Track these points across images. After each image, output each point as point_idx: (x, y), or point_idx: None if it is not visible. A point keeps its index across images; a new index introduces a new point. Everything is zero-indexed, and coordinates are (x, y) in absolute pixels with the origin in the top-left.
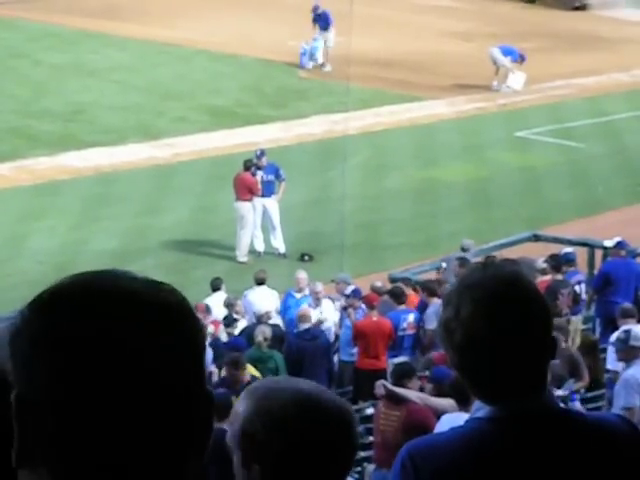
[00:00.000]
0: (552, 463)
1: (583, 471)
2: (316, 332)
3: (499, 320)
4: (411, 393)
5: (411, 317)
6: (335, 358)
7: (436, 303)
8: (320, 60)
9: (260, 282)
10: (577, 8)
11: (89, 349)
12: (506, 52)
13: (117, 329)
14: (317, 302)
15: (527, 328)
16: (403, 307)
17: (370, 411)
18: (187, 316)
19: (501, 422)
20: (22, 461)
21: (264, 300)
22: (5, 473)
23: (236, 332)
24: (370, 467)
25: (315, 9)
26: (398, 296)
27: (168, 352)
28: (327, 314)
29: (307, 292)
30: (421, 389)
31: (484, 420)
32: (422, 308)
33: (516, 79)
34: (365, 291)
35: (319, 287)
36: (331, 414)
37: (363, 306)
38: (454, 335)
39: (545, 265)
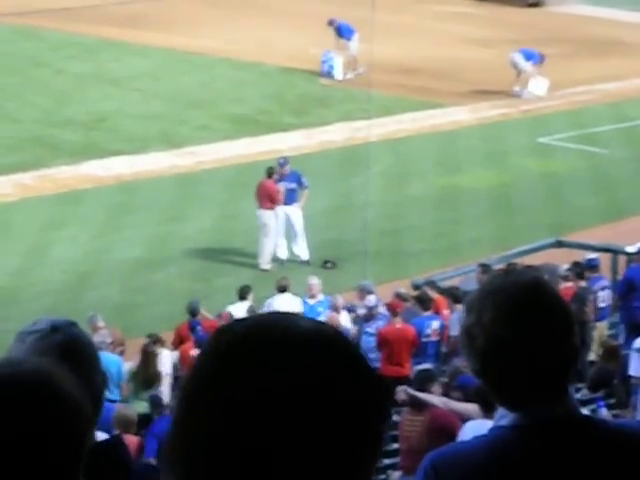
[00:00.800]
0: (575, 471)
1: (605, 478)
2: None
3: (521, 325)
4: (434, 398)
5: (435, 324)
6: None
7: (459, 310)
8: (339, 77)
9: (282, 289)
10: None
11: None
12: (527, 56)
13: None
14: (337, 314)
15: (549, 333)
16: (428, 313)
17: (394, 418)
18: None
19: (524, 430)
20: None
21: (287, 307)
22: None
23: None
24: (395, 474)
25: (331, 23)
26: (424, 302)
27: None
28: (343, 325)
29: (320, 298)
30: (445, 396)
31: (507, 428)
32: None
33: (538, 84)
34: (388, 298)
35: (340, 300)
36: None
37: (385, 312)
38: (476, 341)
39: (568, 272)
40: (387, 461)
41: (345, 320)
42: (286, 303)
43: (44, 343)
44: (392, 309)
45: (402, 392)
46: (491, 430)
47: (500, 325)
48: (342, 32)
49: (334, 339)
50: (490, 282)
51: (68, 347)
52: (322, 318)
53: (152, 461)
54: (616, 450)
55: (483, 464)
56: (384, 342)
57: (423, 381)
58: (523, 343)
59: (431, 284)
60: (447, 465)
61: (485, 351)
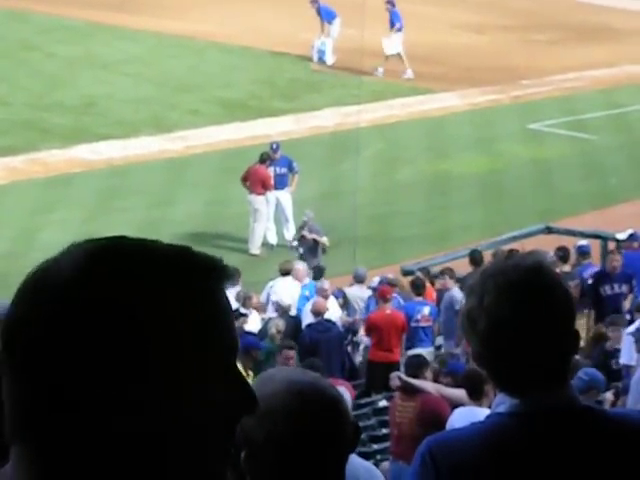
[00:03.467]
0: (574, 460)
1: (605, 468)
2: (329, 324)
3: (522, 307)
4: (426, 384)
5: (426, 310)
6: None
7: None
8: (329, 61)
9: (285, 273)
10: None
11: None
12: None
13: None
14: (324, 299)
15: (550, 316)
16: (420, 299)
17: (383, 403)
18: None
19: (523, 418)
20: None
21: (289, 291)
22: None
23: (246, 327)
24: (385, 464)
25: (313, 2)
26: (418, 287)
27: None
28: (332, 311)
29: (306, 281)
30: (434, 382)
31: (505, 415)
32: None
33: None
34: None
35: (326, 285)
36: (319, 404)
37: (396, 295)
38: (477, 323)
39: (553, 257)
40: (376, 446)
41: (333, 305)
42: (287, 286)
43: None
44: (382, 295)
45: (396, 378)
46: (489, 417)
47: (501, 307)
48: (322, 14)
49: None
50: (491, 265)
51: None
52: (309, 302)
53: None
54: (616, 440)
55: (480, 451)
56: (373, 328)
57: (415, 367)
58: (524, 325)
59: (424, 271)
60: (444, 451)
61: (487, 332)
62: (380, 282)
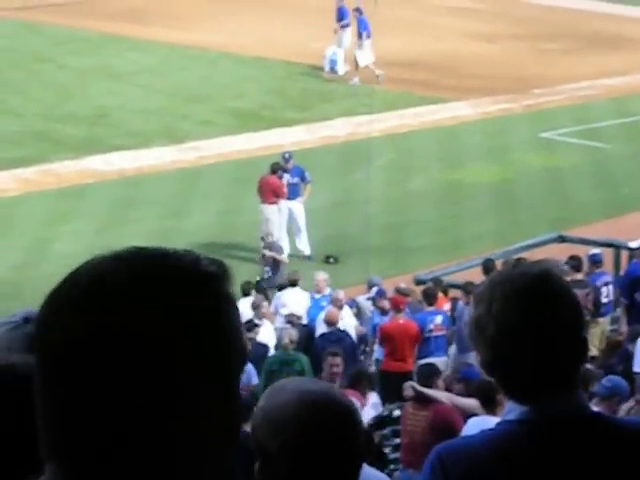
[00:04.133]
0: (583, 468)
1: (613, 476)
2: (342, 334)
3: (530, 314)
4: (439, 393)
5: (439, 319)
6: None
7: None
8: (341, 72)
9: (293, 284)
10: None
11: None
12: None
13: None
14: (339, 309)
15: (557, 323)
16: (432, 309)
17: (397, 413)
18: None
19: (532, 425)
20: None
21: (296, 301)
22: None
23: (258, 338)
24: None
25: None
26: (429, 297)
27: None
28: (347, 320)
29: (326, 292)
30: (447, 389)
31: (515, 423)
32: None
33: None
34: (390, 293)
35: (341, 294)
36: (332, 414)
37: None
38: (486, 331)
39: (565, 266)
40: (392, 455)
41: (347, 315)
42: (295, 297)
43: (14, 334)
44: (395, 305)
45: (409, 388)
46: (498, 424)
47: (508, 314)
48: (342, 15)
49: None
50: (499, 273)
51: None
52: (323, 312)
53: None
54: (625, 447)
55: (489, 458)
56: (387, 337)
57: (427, 376)
58: (532, 332)
59: (435, 281)
60: (454, 458)
61: (495, 341)
62: (378, 293)
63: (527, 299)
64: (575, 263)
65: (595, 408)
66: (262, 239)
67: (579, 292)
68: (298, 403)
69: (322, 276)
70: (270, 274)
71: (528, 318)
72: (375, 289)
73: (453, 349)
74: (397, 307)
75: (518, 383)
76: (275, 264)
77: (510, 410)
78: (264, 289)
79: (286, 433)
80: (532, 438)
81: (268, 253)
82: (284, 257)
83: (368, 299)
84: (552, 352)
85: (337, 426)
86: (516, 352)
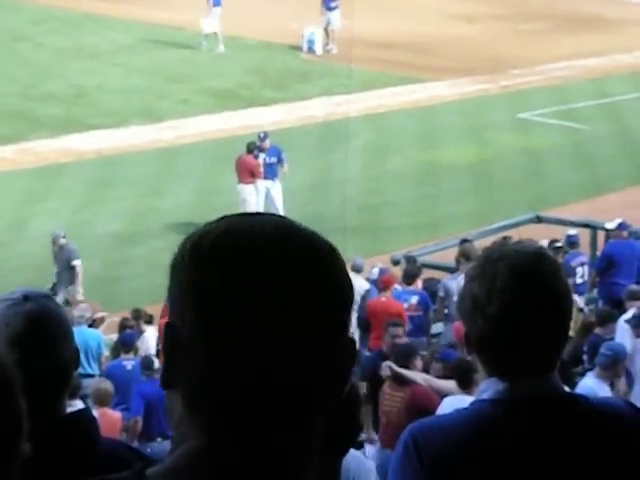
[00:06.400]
0: (555, 447)
1: (588, 456)
2: None
3: (535, 290)
4: (417, 375)
5: (414, 299)
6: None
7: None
8: (318, 52)
9: None
10: None
11: (234, 299)
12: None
13: (263, 282)
14: None
15: (556, 302)
16: (411, 288)
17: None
18: (336, 262)
19: (505, 405)
20: (167, 383)
21: None
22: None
23: None
24: (369, 448)
25: None
26: (409, 277)
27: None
28: None
29: None
30: (425, 369)
31: (488, 402)
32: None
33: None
34: (367, 273)
35: None
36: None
37: (397, 286)
38: (487, 307)
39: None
40: (365, 436)
41: None
42: None
43: (12, 310)
44: (381, 283)
45: (387, 368)
46: (472, 403)
47: (516, 290)
48: (327, 1)
49: (322, 243)
50: (496, 250)
51: (36, 317)
52: None
53: (124, 439)
54: (598, 428)
55: (463, 438)
56: (371, 315)
57: (404, 355)
58: (535, 310)
59: (409, 259)
60: (427, 437)
61: (497, 316)
62: (380, 272)
63: (531, 276)
64: (557, 247)
65: (597, 379)
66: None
67: None
68: None
69: None
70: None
71: (533, 295)
72: (376, 269)
73: (441, 327)
74: (383, 286)
75: (509, 360)
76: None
77: (485, 389)
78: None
79: None
80: (507, 418)
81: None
82: (78, 262)
83: (367, 280)
84: (546, 331)
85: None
86: (516, 329)
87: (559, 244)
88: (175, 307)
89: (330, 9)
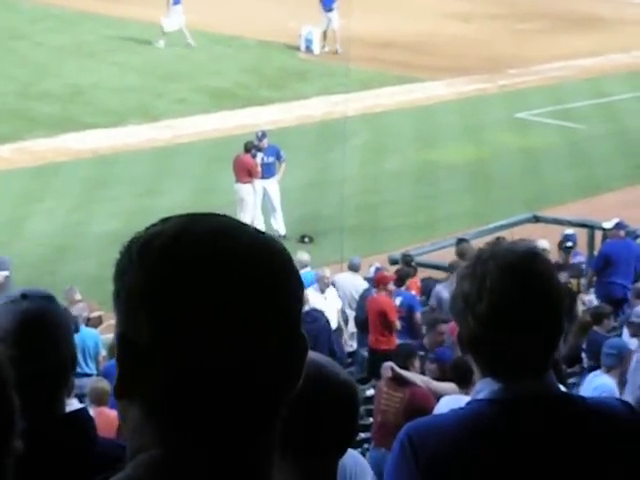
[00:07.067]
0: (550, 447)
1: (583, 456)
2: (316, 314)
3: (525, 290)
4: (416, 376)
5: (397, 300)
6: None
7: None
8: (316, 51)
9: None
10: None
11: (186, 300)
12: None
13: (215, 283)
14: (324, 287)
15: (547, 302)
16: (401, 289)
17: (370, 392)
18: (287, 261)
19: (501, 404)
20: (122, 393)
21: None
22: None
23: None
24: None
25: None
26: (400, 279)
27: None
28: (330, 301)
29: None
30: (422, 371)
31: (484, 402)
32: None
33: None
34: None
35: (327, 272)
36: (334, 384)
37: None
38: (477, 306)
39: (546, 246)
40: (363, 435)
41: (331, 295)
42: None
43: (8, 308)
44: (375, 282)
45: (388, 369)
46: (468, 403)
47: (506, 289)
48: (325, 1)
49: (272, 242)
50: (487, 249)
51: (32, 315)
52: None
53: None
54: (593, 428)
55: (459, 437)
56: (368, 312)
57: (404, 356)
58: (525, 309)
59: (406, 259)
60: (423, 437)
61: (487, 316)
62: (377, 270)
63: (521, 275)
64: (568, 246)
65: (608, 376)
66: None
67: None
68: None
69: (306, 256)
70: None
71: (522, 294)
72: (374, 267)
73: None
74: (377, 283)
75: (501, 360)
76: None
77: (480, 389)
78: None
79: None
80: (502, 417)
81: None
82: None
83: (365, 279)
84: (539, 331)
85: (338, 398)
86: (506, 328)
87: (570, 244)
88: (125, 314)
89: (330, 10)
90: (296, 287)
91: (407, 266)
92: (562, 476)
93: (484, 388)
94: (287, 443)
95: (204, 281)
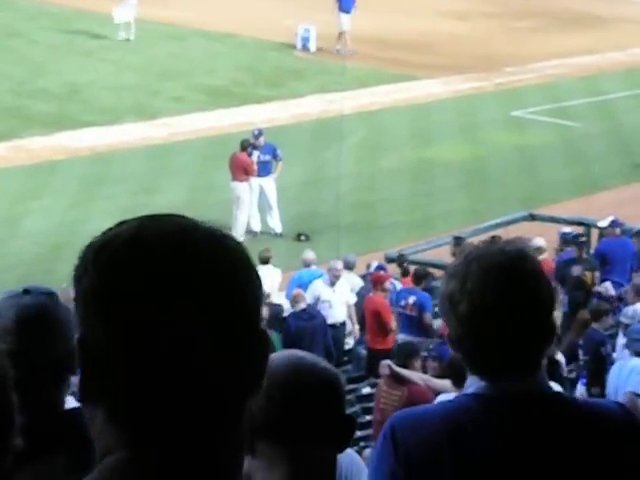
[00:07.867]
0: (533, 445)
1: (570, 456)
2: (313, 312)
3: (505, 292)
4: (414, 374)
5: (411, 299)
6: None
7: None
8: (312, 49)
9: (264, 261)
10: None
11: (141, 301)
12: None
13: (169, 283)
14: (334, 280)
15: (531, 304)
16: (413, 288)
17: (367, 390)
18: (245, 258)
19: (486, 400)
20: (85, 396)
21: (268, 279)
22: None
23: None
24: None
25: None
26: (417, 278)
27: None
28: (338, 295)
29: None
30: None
31: (470, 397)
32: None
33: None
34: (360, 270)
35: (339, 265)
36: (316, 370)
37: (395, 282)
38: (458, 306)
39: (542, 244)
40: (359, 433)
41: (341, 289)
42: (267, 274)
43: (9, 303)
44: (371, 281)
45: (386, 367)
46: (456, 397)
47: (483, 291)
48: (344, 2)
49: (229, 240)
50: (474, 249)
51: (31, 310)
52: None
53: None
54: (583, 428)
55: (440, 429)
56: (363, 311)
57: (405, 355)
58: (505, 311)
59: (401, 259)
60: (406, 428)
61: (467, 317)
62: (377, 268)
63: (503, 277)
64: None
65: None
66: None
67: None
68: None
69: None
70: None
71: (503, 296)
72: (374, 265)
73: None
74: (373, 283)
75: (484, 360)
76: None
77: (469, 384)
78: None
79: (275, 396)
80: (485, 412)
81: None
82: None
83: (362, 277)
84: (522, 332)
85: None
86: (487, 329)
87: (584, 239)
88: (83, 317)
89: (347, 12)
90: (254, 285)
91: (400, 266)
92: (543, 475)
93: (473, 383)
94: (275, 434)
95: (157, 282)
